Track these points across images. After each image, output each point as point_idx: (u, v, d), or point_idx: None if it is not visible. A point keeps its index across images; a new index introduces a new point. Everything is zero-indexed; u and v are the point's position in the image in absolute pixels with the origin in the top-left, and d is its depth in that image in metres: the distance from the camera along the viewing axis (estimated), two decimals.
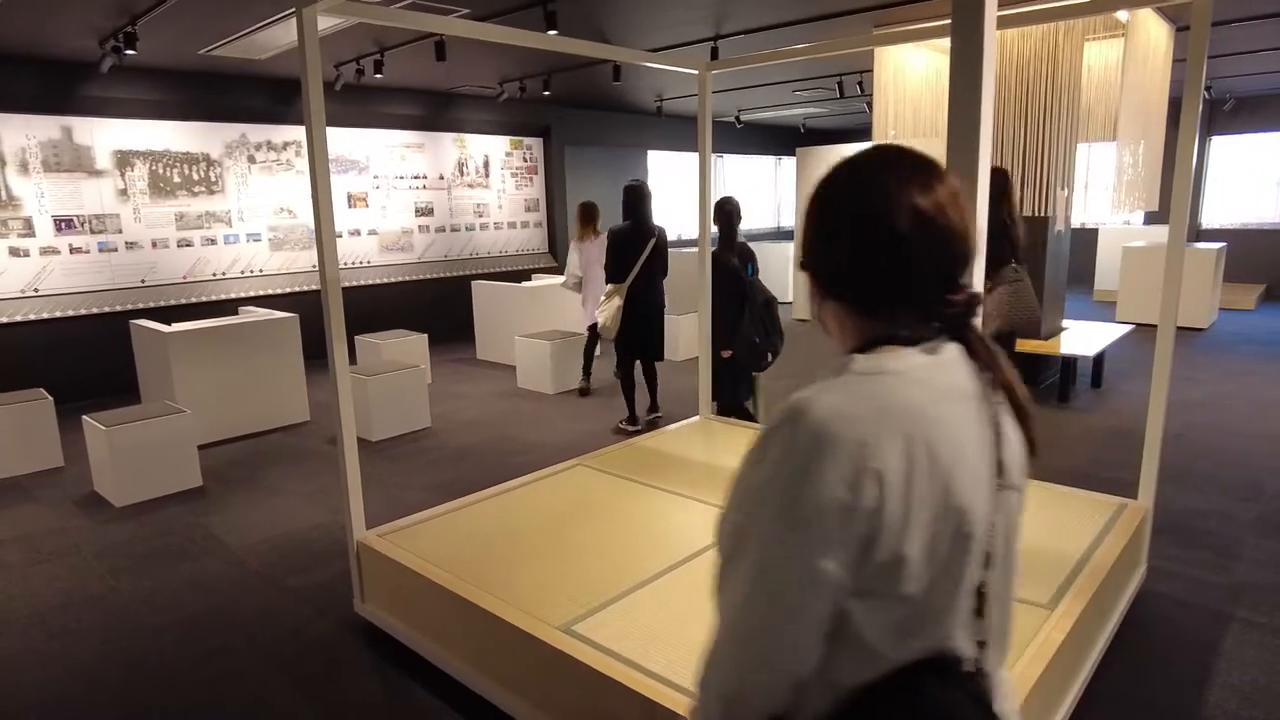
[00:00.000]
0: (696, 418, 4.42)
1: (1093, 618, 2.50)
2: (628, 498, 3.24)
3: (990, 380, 0.90)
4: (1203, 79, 2.95)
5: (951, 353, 0.90)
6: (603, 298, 5.42)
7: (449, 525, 3.02)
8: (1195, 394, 6.02)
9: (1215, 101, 10.82)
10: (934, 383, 0.86)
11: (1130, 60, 5.68)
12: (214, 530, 3.99)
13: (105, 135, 6.69)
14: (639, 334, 5.40)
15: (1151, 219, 11.82)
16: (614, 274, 5.32)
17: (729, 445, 3.94)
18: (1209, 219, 11.87)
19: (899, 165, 0.89)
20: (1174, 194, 3.00)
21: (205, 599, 3.30)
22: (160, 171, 7.04)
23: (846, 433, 0.79)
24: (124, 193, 6.83)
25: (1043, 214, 6.04)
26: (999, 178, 4.30)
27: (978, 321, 0.92)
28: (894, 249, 0.86)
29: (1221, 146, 11.64)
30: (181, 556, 3.71)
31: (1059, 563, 2.61)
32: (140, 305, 6.89)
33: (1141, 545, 3.13)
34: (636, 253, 5.31)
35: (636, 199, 5.37)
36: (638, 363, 5.57)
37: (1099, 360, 6.37)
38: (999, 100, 6.08)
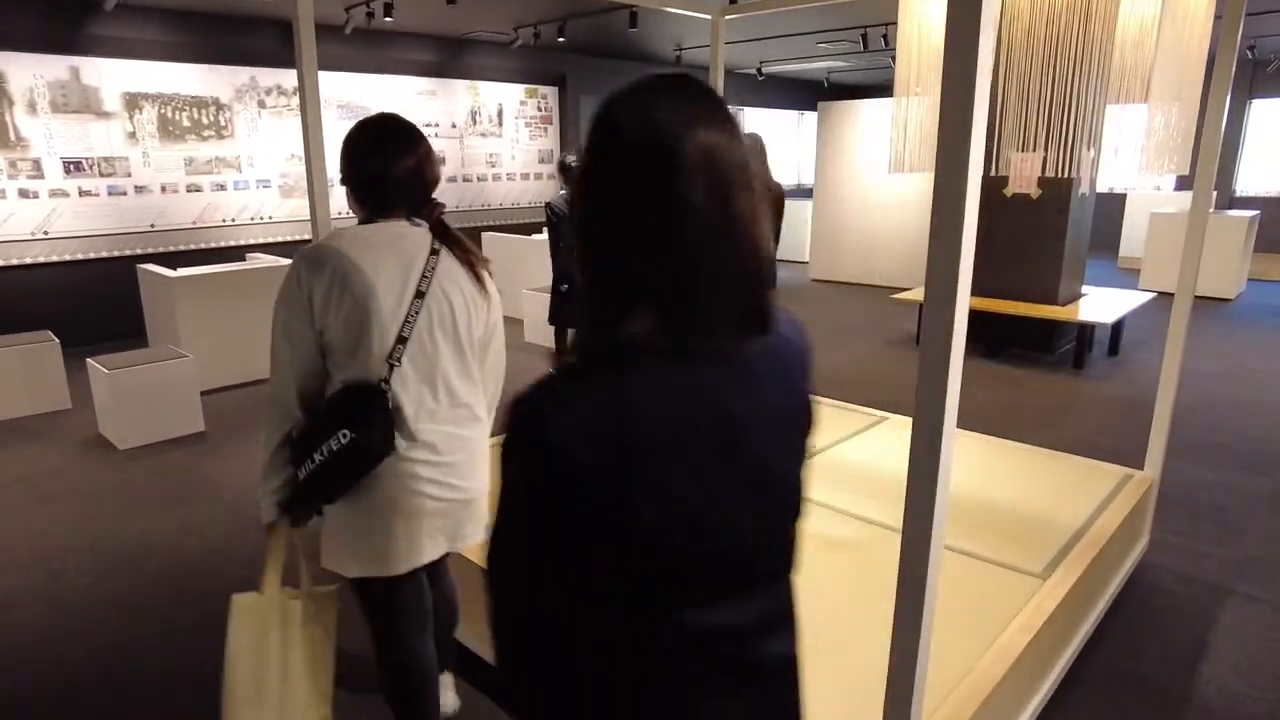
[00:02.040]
0: None
1: (1087, 588, 2.45)
2: None
3: (453, 248, 1.70)
4: (1238, 36, 2.79)
5: (394, 228, 1.66)
6: None
7: None
8: (1215, 366, 5.88)
9: (1259, 62, 10.41)
10: (368, 241, 1.62)
11: (1169, 16, 5.43)
12: (213, 476, 4.01)
13: (113, 76, 6.61)
14: None
15: (1183, 185, 11.48)
16: None
17: None
18: (1245, 186, 11.52)
19: (383, 138, 1.67)
20: (1200, 158, 2.86)
21: (201, 543, 3.32)
22: (169, 115, 6.97)
23: (305, 259, 1.59)
24: (133, 135, 6.77)
25: (1067, 175, 5.86)
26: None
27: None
28: (381, 186, 1.66)
29: (1263, 110, 11.24)
30: (180, 501, 3.73)
31: (1057, 532, 2.55)
32: (149, 250, 6.88)
33: (1145, 517, 3.06)
34: None
35: None
36: None
37: (1117, 328, 6.23)
38: (1026, 54, 5.85)
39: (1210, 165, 2.82)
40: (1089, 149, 6.36)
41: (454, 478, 1.73)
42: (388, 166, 1.63)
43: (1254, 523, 3.44)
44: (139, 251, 6.83)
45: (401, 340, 1.61)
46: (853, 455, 3.19)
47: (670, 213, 0.77)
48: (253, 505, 3.68)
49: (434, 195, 1.72)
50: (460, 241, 1.72)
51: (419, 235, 1.67)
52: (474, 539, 1.80)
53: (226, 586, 2.95)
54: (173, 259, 6.64)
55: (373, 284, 1.57)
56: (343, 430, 1.55)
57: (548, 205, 4.86)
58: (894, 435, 3.43)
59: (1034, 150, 6.34)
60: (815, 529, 2.55)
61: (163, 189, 7.04)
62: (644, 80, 0.83)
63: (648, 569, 0.83)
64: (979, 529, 2.56)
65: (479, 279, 1.75)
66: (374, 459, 1.60)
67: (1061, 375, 5.75)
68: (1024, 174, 6.55)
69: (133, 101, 6.73)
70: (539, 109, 9.85)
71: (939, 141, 1.15)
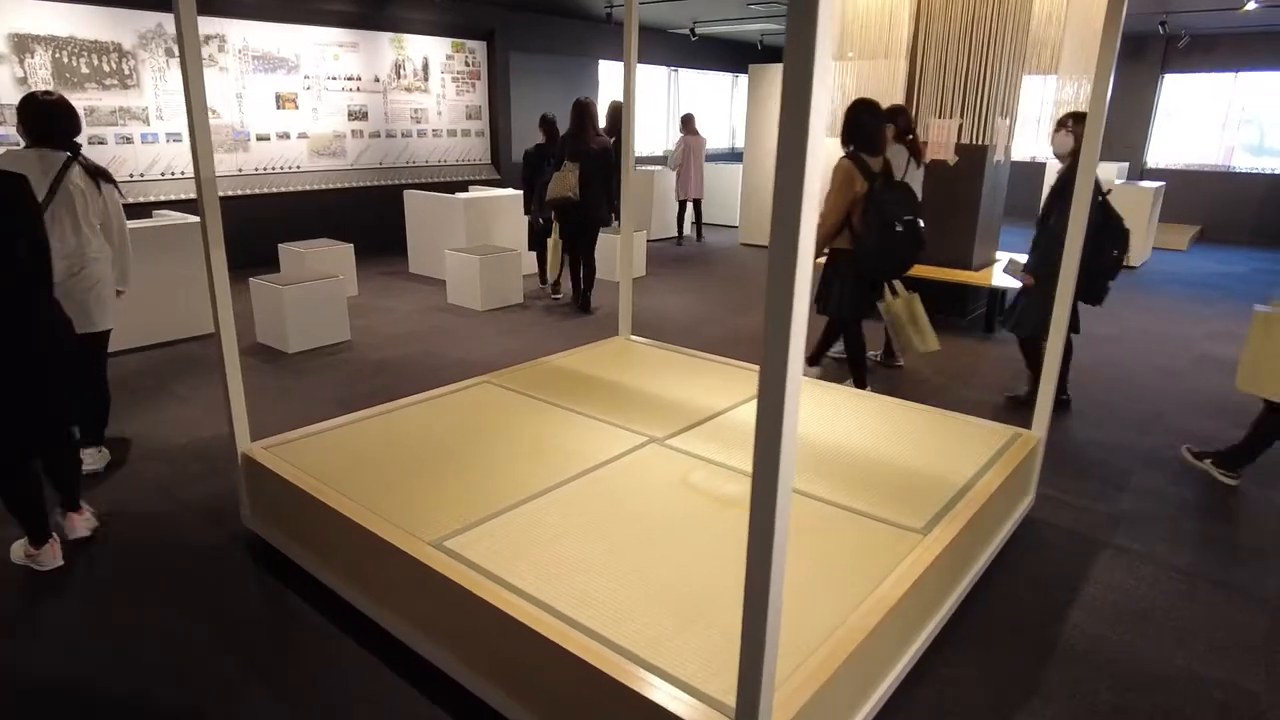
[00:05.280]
0: (616, 337, 4.37)
1: (968, 544, 2.56)
2: (529, 416, 3.20)
3: (100, 173, 3.34)
4: (1123, 10, 2.84)
5: (48, 153, 3.17)
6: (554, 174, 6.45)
7: (340, 439, 2.95)
8: (1114, 330, 6.15)
9: (1171, 38, 10.75)
10: (25, 158, 3.12)
11: None
12: (110, 440, 3.86)
13: None
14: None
15: (1101, 156, 11.81)
16: (558, 162, 6.45)
17: (645, 367, 3.91)
18: (1155, 158, 11.95)
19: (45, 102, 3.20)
20: (1088, 129, 2.94)
21: (92, 507, 3.21)
22: (65, 60, 6.57)
23: None
24: (24, 81, 6.36)
25: (982, 142, 5.99)
26: (579, 109, 6.24)
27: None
28: (44, 128, 3.18)
29: (1174, 85, 11.64)
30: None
31: (941, 489, 2.65)
32: None
33: (1031, 474, 3.20)
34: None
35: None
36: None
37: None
38: (944, 23, 5.92)
39: (1096, 136, 2.90)
40: (1003, 117, 6.49)
41: (75, 291, 3.24)
42: (42, 117, 3.19)
43: (1132, 479, 3.63)
44: None
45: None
46: (751, 416, 3.24)
47: None
48: (151, 469, 3.58)
49: (78, 138, 3.28)
50: (90, 162, 3.32)
51: (58, 155, 3.18)
52: (95, 327, 3.36)
53: (114, 550, 2.85)
54: None
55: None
56: None
57: (525, 152, 6.88)
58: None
59: (951, 118, 6.44)
60: (705, 488, 2.61)
61: None
62: None
63: None
64: (865, 486, 2.65)
65: (98, 185, 3.31)
66: None
67: (971, 339, 5.93)
68: (941, 141, 6.66)
69: (22, 44, 6.32)
70: (467, 64, 9.60)
71: (781, 110, 1.15)
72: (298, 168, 8.32)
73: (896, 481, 2.71)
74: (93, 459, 3.48)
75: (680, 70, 13.27)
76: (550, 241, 6.77)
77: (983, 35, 5.71)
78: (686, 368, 3.89)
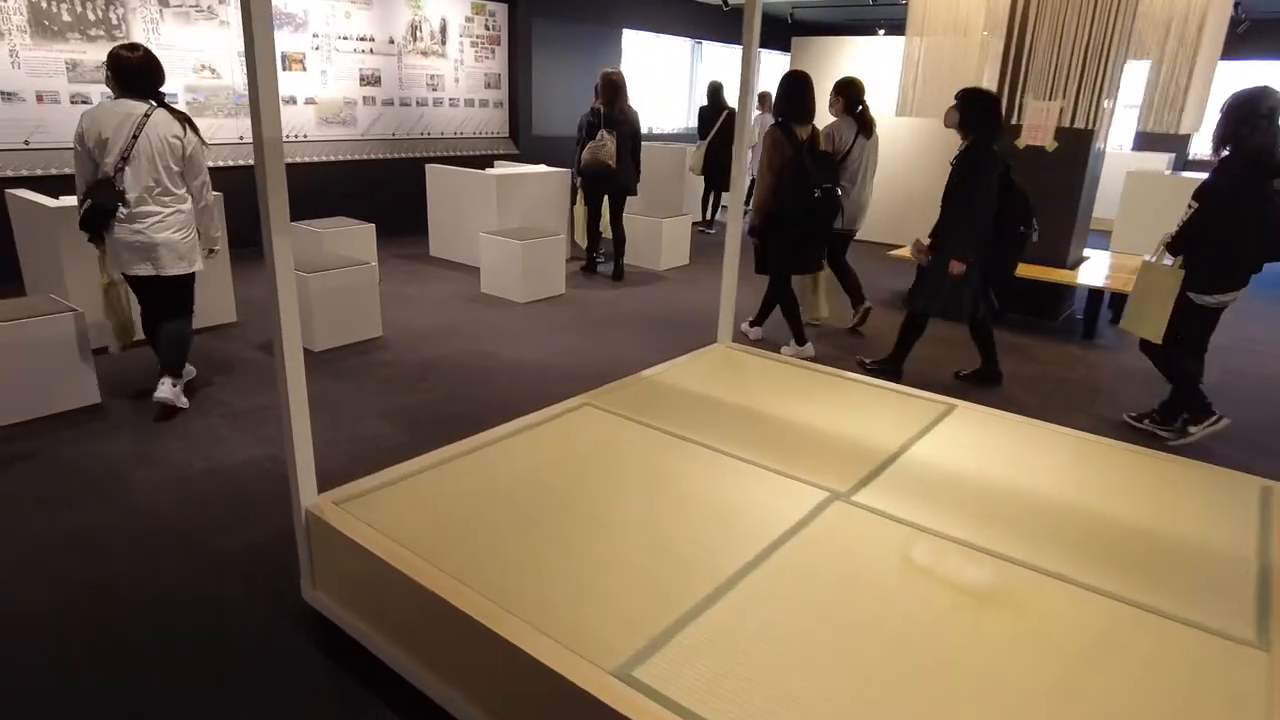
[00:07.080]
0: (715, 345, 3.71)
1: None
2: (660, 456, 2.53)
3: (182, 119, 3.50)
4: None
5: (131, 104, 3.36)
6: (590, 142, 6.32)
7: (428, 489, 2.27)
8: (1221, 338, 5.57)
9: (1233, 22, 10.16)
10: (113, 109, 3.35)
11: None
12: (112, 465, 3.15)
13: None
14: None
15: (1141, 143, 11.32)
16: (587, 134, 6.34)
17: (764, 385, 3.25)
18: (1202, 149, 11.41)
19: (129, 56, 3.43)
20: None
21: (92, 565, 2.51)
22: (44, 6, 5.73)
23: (82, 118, 3.36)
24: None
25: (1088, 126, 5.36)
26: (610, 79, 6.26)
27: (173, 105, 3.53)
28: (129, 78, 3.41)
29: (1228, 71, 11.08)
30: (62, 503, 2.88)
31: (1237, 574, 2.03)
32: (22, 172, 5.70)
33: None
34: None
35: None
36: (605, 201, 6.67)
37: (1121, 295, 5.86)
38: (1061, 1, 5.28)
39: None
40: (1108, 99, 5.80)
41: (149, 231, 3.44)
42: (126, 70, 3.35)
43: None
44: (9, 173, 5.66)
45: (124, 158, 3.34)
46: (943, 460, 2.60)
47: None
48: (167, 504, 2.89)
49: (163, 89, 3.47)
50: (176, 110, 3.47)
51: (139, 106, 3.35)
52: (164, 271, 3.51)
53: (125, 631, 1.92)
54: (53, 184, 5.50)
55: (107, 132, 3.32)
56: (88, 199, 3.38)
57: (583, 117, 6.46)
58: (971, 430, 2.86)
59: (1054, 99, 5.76)
60: (942, 574, 1.97)
61: (39, 98, 5.83)
62: None
63: None
64: (1142, 570, 2.01)
65: (180, 133, 3.44)
66: (105, 213, 3.37)
67: (1074, 345, 5.35)
68: (1040, 124, 5.99)
69: None
70: (486, 27, 8.80)
71: None
72: (304, 136, 7.51)
73: (1170, 562, 2.08)
74: (168, 390, 3.64)
75: (704, 43, 12.52)
76: (577, 210, 6.67)
77: (1106, 13, 5.05)
78: (815, 386, 3.24)
